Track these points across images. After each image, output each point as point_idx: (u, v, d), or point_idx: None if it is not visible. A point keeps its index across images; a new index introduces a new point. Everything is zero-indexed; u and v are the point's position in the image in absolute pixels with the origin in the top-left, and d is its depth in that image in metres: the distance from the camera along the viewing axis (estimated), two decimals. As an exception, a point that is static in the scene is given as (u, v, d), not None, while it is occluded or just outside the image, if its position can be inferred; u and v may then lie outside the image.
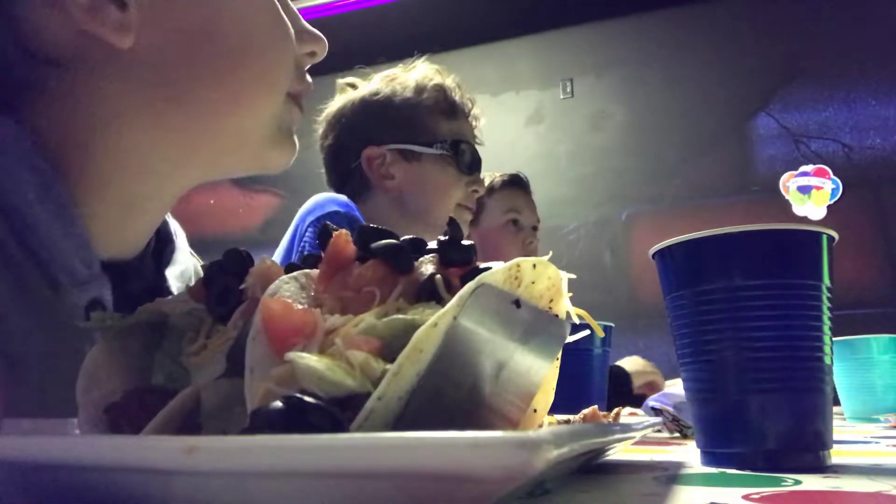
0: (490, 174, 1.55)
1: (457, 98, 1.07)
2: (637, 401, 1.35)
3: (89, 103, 0.44)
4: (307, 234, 0.95)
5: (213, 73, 0.46)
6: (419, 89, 1.05)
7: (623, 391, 1.36)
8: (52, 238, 0.41)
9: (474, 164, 1.07)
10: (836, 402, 0.95)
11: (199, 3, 0.46)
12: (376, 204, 1.05)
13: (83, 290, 0.43)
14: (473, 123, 1.11)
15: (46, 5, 0.42)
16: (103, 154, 0.45)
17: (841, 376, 0.94)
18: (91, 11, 0.42)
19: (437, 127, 1.05)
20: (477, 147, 1.09)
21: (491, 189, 1.53)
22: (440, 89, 1.06)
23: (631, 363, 1.50)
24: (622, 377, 1.48)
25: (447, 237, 0.28)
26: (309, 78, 0.54)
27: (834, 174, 2.41)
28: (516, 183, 1.57)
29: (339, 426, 0.20)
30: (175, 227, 0.58)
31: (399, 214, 1.03)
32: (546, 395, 0.31)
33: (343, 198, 1.00)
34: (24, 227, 0.40)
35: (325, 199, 1.00)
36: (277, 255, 1.02)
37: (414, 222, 1.02)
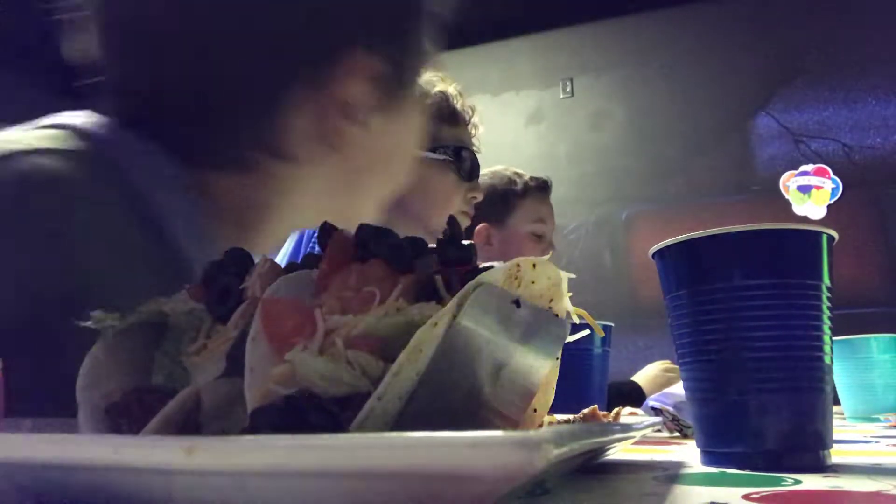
0: (517, 172, 1.49)
1: (458, 105, 1.08)
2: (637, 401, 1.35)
3: (282, 185, 0.51)
4: (314, 238, 0.95)
5: (380, 180, 0.58)
6: (422, 95, 1.06)
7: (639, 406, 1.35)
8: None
9: (474, 172, 1.08)
10: (837, 402, 0.95)
11: (394, 149, 0.57)
12: None
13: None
14: (472, 131, 1.11)
15: (304, 104, 0.49)
16: (267, 219, 0.53)
17: (841, 376, 0.94)
18: (345, 112, 0.50)
19: (438, 133, 1.05)
20: (476, 154, 1.09)
21: (525, 190, 1.47)
22: (443, 96, 1.07)
23: (643, 378, 1.46)
24: (636, 393, 1.46)
25: (447, 236, 0.28)
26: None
27: (834, 174, 2.40)
28: (544, 189, 1.50)
29: (339, 426, 0.20)
30: None
31: (398, 218, 1.03)
32: (546, 395, 0.31)
33: None
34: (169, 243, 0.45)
35: None
36: (281, 257, 1.02)
37: (413, 227, 1.02)
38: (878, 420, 0.83)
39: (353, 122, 0.50)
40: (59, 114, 0.48)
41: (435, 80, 1.08)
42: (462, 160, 1.06)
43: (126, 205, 0.43)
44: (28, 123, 0.47)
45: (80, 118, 0.47)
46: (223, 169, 0.49)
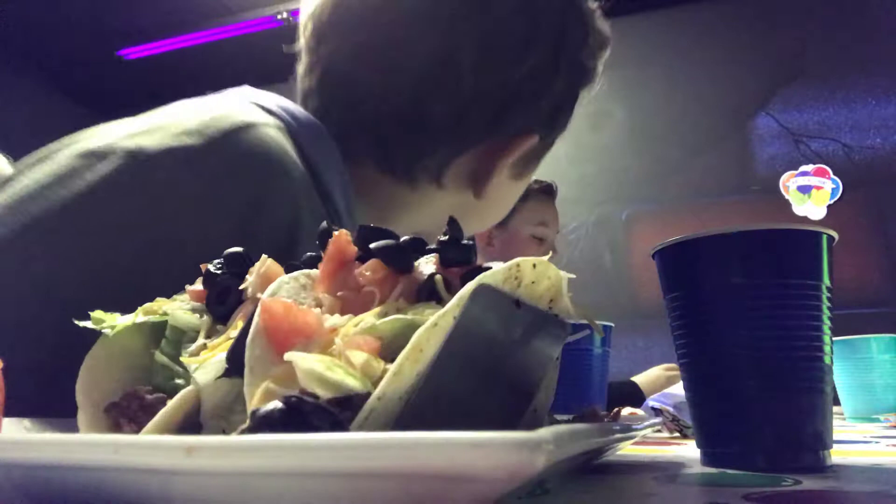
0: (535, 182, 1.52)
1: None
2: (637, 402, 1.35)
3: (419, 197, 0.61)
4: None
5: (484, 220, 0.70)
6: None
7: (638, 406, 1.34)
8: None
9: None
10: (837, 403, 0.95)
11: (507, 194, 0.69)
12: None
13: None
14: None
15: (479, 154, 0.60)
16: (399, 218, 0.62)
17: (841, 376, 0.94)
18: (499, 166, 0.60)
19: None
20: None
21: (527, 193, 1.48)
22: None
23: (644, 378, 1.46)
24: (635, 392, 1.45)
25: (447, 237, 0.28)
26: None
27: (834, 174, 2.41)
28: (548, 192, 1.50)
29: (339, 426, 0.20)
30: None
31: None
32: (546, 395, 0.31)
33: None
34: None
35: None
36: None
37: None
38: (878, 420, 0.83)
39: (498, 175, 0.61)
40: (264, 96, 0.57)
41: None
42: None
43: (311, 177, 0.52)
44: (237, 97, 0.56)
45: (283, 103, 0.56)
46: (389, 173, 0.59)
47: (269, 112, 0.53)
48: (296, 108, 0.56)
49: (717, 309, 0.37)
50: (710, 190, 2.53)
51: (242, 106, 0.53)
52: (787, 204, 0.94)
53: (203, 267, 0.32)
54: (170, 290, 0.34)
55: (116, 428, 0.28)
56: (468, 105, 0.57)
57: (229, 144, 0.47)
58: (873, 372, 0.91)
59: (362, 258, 0.28)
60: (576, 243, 2.64)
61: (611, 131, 2.74)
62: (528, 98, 0.61)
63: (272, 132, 0.50)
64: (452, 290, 0.25)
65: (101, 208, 0.44)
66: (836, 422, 0.39)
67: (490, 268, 0.26)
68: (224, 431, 0.26)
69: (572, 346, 0.81)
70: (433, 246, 0.29)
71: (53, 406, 0.34)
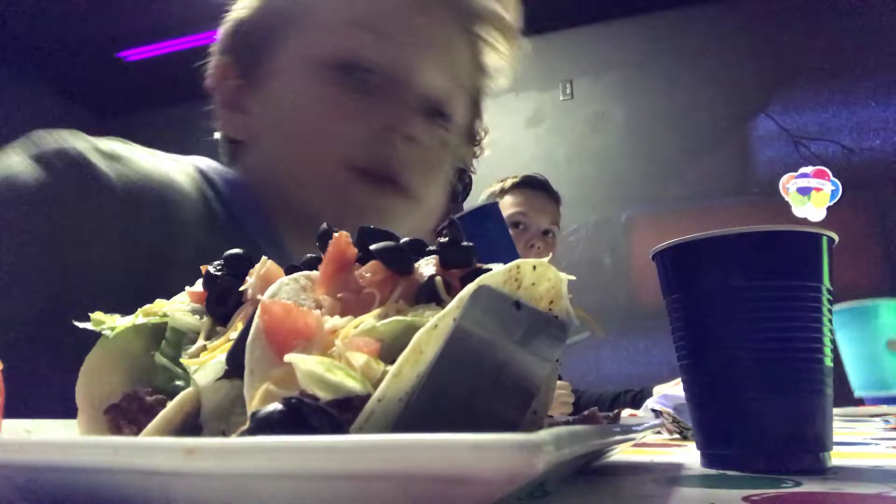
0: (505, 179, 1.53)
1: (475, 125, 1.04)
2: (637, 403, 1.35)
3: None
4: None
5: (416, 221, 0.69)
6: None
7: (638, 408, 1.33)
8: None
9: (465, 193, 1.05)
10: (837, 404, 0.94)
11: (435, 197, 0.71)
12: None
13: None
14: (478, 153, 1.09)
15: None
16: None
17: (846, 346, 0.85)
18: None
19: None
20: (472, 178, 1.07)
21: (502, 190, 1.51)
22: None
23: None
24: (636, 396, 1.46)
25: (447, 239, 0.28)
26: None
27: (834, 175, 2.40)
28: (527, 184, 1.53)
29: (339, 428, 0.20)
30: None
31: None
32: (546, 397, 0.31)
33: None
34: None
35: None
36: None
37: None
38: (890, 392, 0.77)
39: None
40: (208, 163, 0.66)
41: None
42: (459, 182, 1.00)
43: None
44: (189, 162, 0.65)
45: (217, 167, 0.66)
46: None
47: (199, 171, 0.63)
48: (226, 170, 0.65)
49: (717, 311, 0.37)
50: (710, 192, 2.54)
51: (177, 164, 0.62)
52: (786, 206, 0.95)
53: (203, 268, 0.32)
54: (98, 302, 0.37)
55: (116, 430, 0.28)
56: None
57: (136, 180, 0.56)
58: (880, 341, 0.82)
59: (362, 260, 0.28)
60: (575, 245, 2.64)
61: (610, 133, 2.74)
62: None
63: (180, 179, 0.59)
64: (452, 292, 0.25)
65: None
66: (836, 424, 0.39)
67: (490, 269, 0.26)
68: (224, 433, 0.26)
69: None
70: (433, 248, 0.29)
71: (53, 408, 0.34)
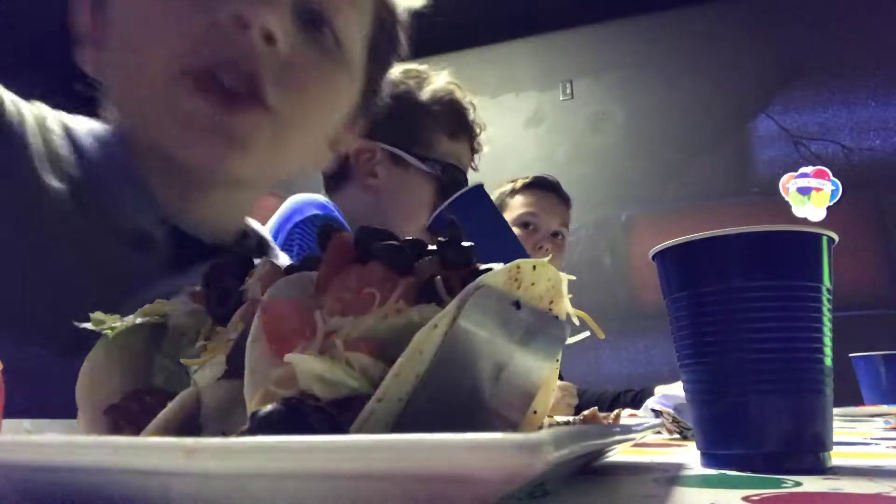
0: (516, 179, 1.54)
1: (468, 120, 1.03)
2: (637, 403, 1.35)
3: None
4: (288, 241, 0.91)
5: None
6: (433, 99, 1.01)
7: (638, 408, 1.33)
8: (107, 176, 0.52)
9: (452, 190, 1.00)
10: (837, 404, 0.94)
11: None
12: (350, 197, 1.02)
13: (130, 215, 0.51)
14: (477, 147, 1.06)
15: None
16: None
17: None
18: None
19: (437, 143, 1.00)
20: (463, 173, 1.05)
21: (513, 191, 1.51)
22: (453, 107, 1.01)
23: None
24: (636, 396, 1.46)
25: (448, 238, 0.28)
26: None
27: (834, 175, 2.40)
28: (538, 185, 1.52)
29: (339, 428, 0.20)
30: (280, 253, 0.68)
31: (369, 214, 1.00)
32: (546, 397, 0.31)
33: (321, 199, 0.98)
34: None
35: (302, 202, 0.96)
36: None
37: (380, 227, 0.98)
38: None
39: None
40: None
41: (451, 87, 1.03)
42: (446, 177, 1.00)
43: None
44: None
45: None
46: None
47: (51, 113, 0.54)
48: (87, 119, 0.56)
49: (718, 311, 0.37)
50: (710, 192, 2.54)
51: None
52: (786, 206, 0.94)
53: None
54: None
55: (116, 429, 0.28)
56: None
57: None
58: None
59: (362, 260, 0.28)
60: (575, 245, 2.64)
61: (610, 133, 2.74)
62: None
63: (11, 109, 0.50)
64: (453, 292, 0.25)
65: None
66: (836, 423, 0.39)
67: (490, 269, 0.26)
68: (224, 433, 0.26)
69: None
70: (433, 247, 0.29)
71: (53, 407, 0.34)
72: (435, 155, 1.00)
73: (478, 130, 1.06)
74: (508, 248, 0.87)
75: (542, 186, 1.52)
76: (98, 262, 0.49)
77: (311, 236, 0.90)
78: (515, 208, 1.49)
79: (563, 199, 1.55)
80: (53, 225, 0.48)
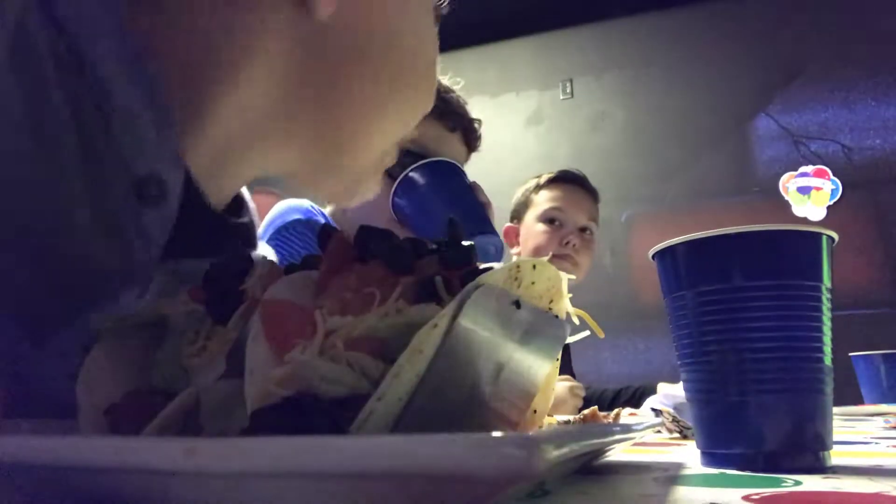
0: (541, 175, 1.51)
1: (448, 109, 0.96)
2: (637, 403, 1.35)
3: (241, 41, 0.38)
4: (278, 242, 0.90)
5: (379, 82, 0.42)
6: None
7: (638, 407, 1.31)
8: (117, 77, 0.34)
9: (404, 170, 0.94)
10: (837, 404, 0.94)
11: (397, 9, 0.42)
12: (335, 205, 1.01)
13: (142, 155, 0.35)
14: (471, 141, 0.99)
15: None
16: (221, 89, 0.39)
17: None
18: None
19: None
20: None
21: (537, 186, 1.48)
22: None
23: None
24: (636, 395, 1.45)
25: (448, 238, 0.28)
26: None
27: (834, 175, 2.41)
28: (563, 179, 1.48)
29: (339, 427, 0.20)
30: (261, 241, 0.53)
31: (337, 217, 0.98)
32: (546, 396, 0.31)
33: (305, 203, 0.96)
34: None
35: (285, 207, 0.95)
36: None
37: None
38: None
39: None
40: None
41: None
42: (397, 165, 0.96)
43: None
44: None
45: None
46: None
47: None
48: None
49: (718, 310, 0.37)
50: (710, 191, 2.54)
51: None
52: (786, 205, 0.95)
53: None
54: None
55: (116, 429, 0.28)
56: None
57: None
58: None
59: (362, 259, 0.28)
60: (576, 244, 2.63)
61: (610, 132, 2.74)
62: None
63: None
64: (453, 291, 0.25)
65: None
66: (836, 422, 0.39)
67: (490, 268, 0.26)
68: (224, 433, 0.26)
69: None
70: (433, 247, 0.29)
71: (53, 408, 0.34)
72: (411, 148, 0.93)
73: (467, 121, 0.98)
74: (471, 222, 0.84)
75: (567, 180, 1.48)
76: (92, 216, 0.34)
77: (292, 241, 0.90)
78: (540, 204, 1.45)
79: (591, 193, 1.50)
80: (43, 156, 0.33)
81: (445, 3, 0.48)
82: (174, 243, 0.37)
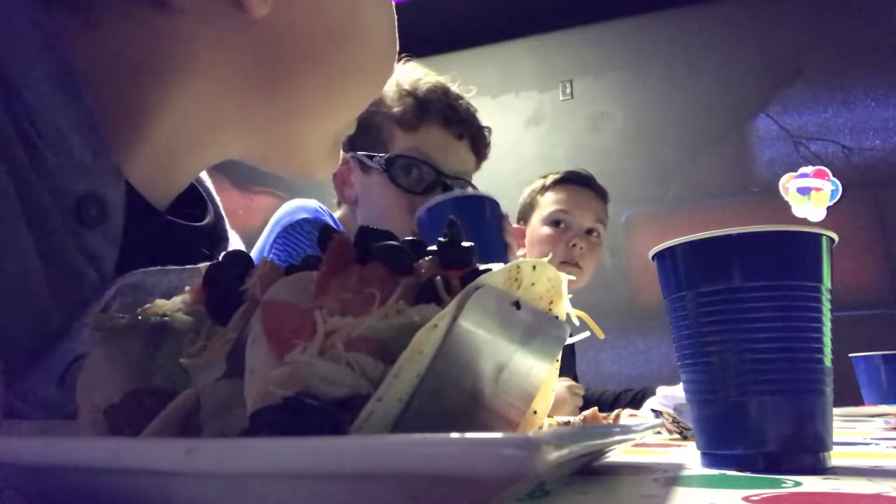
0: (546, 176, 1.49)
1: (425, 107, 0.92)
2: (637, 403, 1.35)
3: (175, 49, 0.38)
4: (275, 245, 0.90)
5: (325, 74, 0.42)
6: (386, 95, 0.93)
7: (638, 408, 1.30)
8: (43, 99, 0.33)
9: (419, 183, 0.92)
10: (837, 404, 0.94)
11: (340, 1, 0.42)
12: (344, 211, 1.02)
13: (78, 177, 0.34)
14: (457, 132, 0.95)
15: None
16: (160, 98, 0.39)
17: None
18: None
19: (394, 139, 0.93)
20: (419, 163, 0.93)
21: (543, 187, 1.47)
22: (407, 97, 0.92)
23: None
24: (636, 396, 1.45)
25: (447, 238, 0.28)
26: None
27: (833, 175, 2.41)
28: (570, 180, 1.46)
29: (339, 428, 0.20)
30: (232, 233, 0.52)
31: (347, 222, 0.99)
32: (546, 397, 0.31)
33: (313, 203, 0.96)
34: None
35: (294, 206, 0.95)
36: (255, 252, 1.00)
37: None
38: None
39: None
40: None
41: (397, 78, 0.94)
42: (395, 170, 0.91)
43: None
44: None
45: None
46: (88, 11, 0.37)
47: None
48: None
49: (718, 311, 0.37)
50: (710, 192, 2.54)
51: None
52: (786, 205, 0.95)
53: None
54: None
55: (116, 429, 0.28)
56: None
57: None
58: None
59: (362, 260, 0.28)
60: (576, 245, 2.64)
61: (610, 133, 2.74)
62: None
63: None
64: (452, 292, 0.25)
65: None
66: (836, 423, 0.39)
67: (490, 269, 0.26)
68: (224, 433, 0.26)
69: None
70: (433, 247, 0.29)
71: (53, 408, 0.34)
72: (394, 152, 0.92)
73: (455, 119, 0.95)
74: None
75: (573, 181, 1.45)
76: (35, 248, 0.33)
77: (299, 240, 0.90)
78: (546, 206, 1.44)
79: (598, 194, 1.47)
80: None
81: None
82: (128, 258, 0.37)
